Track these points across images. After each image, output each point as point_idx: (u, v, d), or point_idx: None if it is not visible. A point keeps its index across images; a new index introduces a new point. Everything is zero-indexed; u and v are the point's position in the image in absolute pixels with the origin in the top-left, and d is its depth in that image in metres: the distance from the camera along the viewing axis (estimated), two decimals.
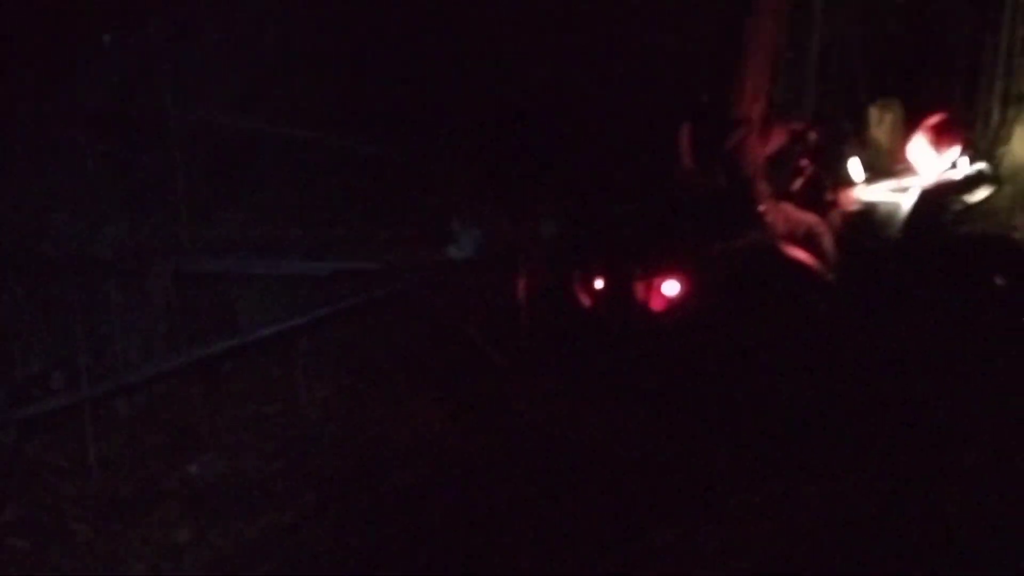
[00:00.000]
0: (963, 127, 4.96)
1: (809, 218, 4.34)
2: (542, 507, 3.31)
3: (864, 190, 4.66)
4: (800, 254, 4.24)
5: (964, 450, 3.21)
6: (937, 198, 4.61)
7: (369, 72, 6.26)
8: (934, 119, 4.66)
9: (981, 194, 4.64)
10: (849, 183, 4.65)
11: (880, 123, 6.97)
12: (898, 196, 4.61)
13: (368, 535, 3.29)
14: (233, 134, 6.04)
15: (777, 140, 4.40)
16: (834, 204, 4.53)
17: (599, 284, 4.26)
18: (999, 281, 4.29)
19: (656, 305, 4.00)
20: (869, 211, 4.62)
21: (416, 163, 6.12)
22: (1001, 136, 5.02)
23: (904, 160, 4.96)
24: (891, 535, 2.80)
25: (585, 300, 4.32)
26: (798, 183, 4.49)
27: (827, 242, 4.30)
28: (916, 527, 2.82)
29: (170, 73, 5.31)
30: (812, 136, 4.54)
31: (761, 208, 4.21)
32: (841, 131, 5.04)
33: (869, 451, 3.27)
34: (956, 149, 4.54)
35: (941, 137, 4.59)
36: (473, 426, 3.95)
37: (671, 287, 3.99)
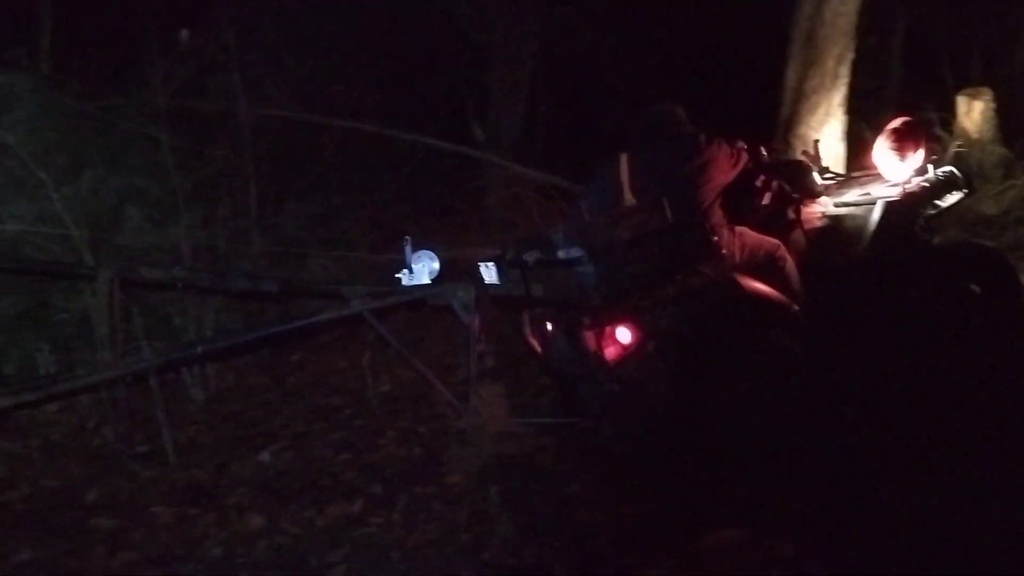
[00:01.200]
0: (928, 128, 4.58)
1: (768, 243, 3.87)
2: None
3: (828, 203, 4.28)
4: (761, 286, 3.73)
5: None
6: (906, 207, 4.23)
7: None
8: (898, 121, 4.27)
9: (951, 200, 4.30)
10: (812, 196, 4.26)
11: (968, 112, 6.76)
12: (864, 207, 4.11)
13: (434, 527, 3.35)
14: (297, 128, 6.16)
15: (738, 159, 4.00)
16: (796, 222, 4.10)
17: (548, 329, 3.93)
18: (976, 290, 4.08)
19: (610, 354, 3.56)
20: (835, 226, 4.15)
21: None
22: None
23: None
24: None
25: (535, 346, 4.04)
26: (758, 202, 4.03)
27: (790, 267, 3.84)
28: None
29: (239, 68, 5.42)
30: (764, 152, 4.17)
31: (715, 239, 3.72)
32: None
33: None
34: (922, 153, 4.12)
35: (906, 140, 4.18)
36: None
37: (624, 334, 3.54)
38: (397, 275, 3.90)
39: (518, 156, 7.04)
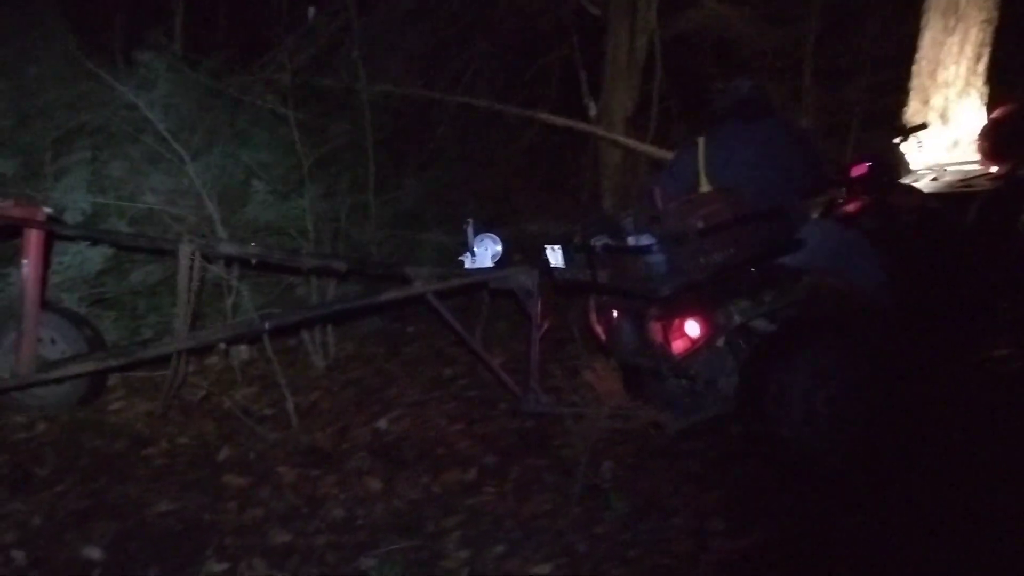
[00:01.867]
0: None
1: (850, 233, 3.64)
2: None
3: (922, 193, 3.91)
4: (840, 279, 3.50)
5: None
6: (1008, 201, 3.81)
7: None
8: (1002, 109, 3.86)
9: None
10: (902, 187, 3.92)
11: None
12: (963, 198, 3.83)
13: (547, 499, 3.37)
14: (414, 103, 6.26)
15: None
16: (889, 213, 3.83)
17: (614, 317, 3.81)
18: None
19: (677, 347, 3.42)
20: (930, 218, 3.83)
21: None
22: None
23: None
24: None
25: (600, 332, 3.90)
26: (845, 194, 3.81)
27: (879, 264, 3.56)
28: None
29: (360, 45, 5.54)
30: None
31: (800, 231, 3.48)
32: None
33: None
34: None
35: (1011, 130, 3.78)
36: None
37: (693, 328, 3.40)
38: (460, 258, 3.92)
39: (632, 130, 6.94)
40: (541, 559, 2.96)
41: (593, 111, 7.31)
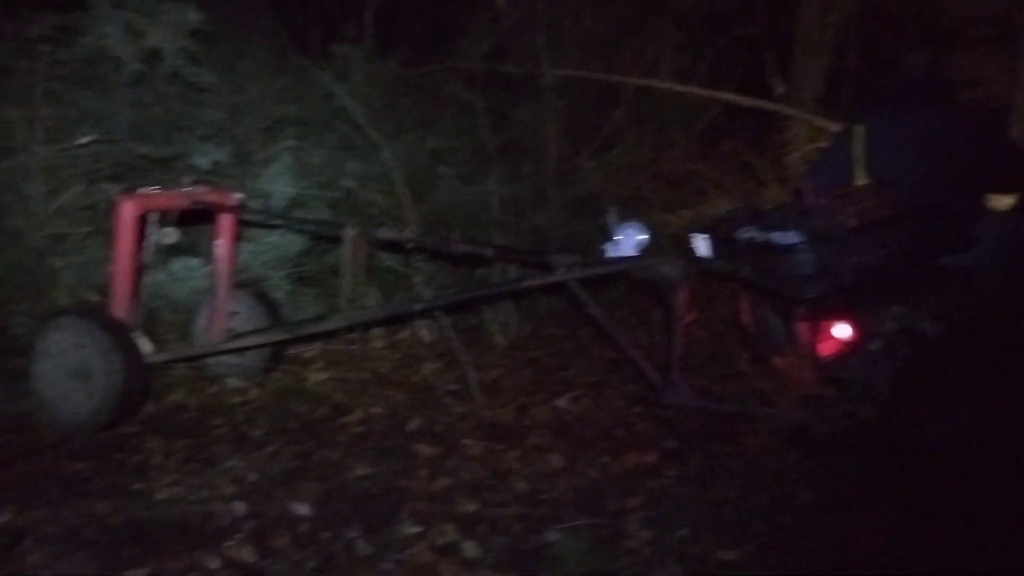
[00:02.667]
0: None
1: None
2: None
3: None
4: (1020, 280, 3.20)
5: None
6: None
7: None
8: None
9: None
10: None
11: None
12: None
13: (731, 486, 3.32)
14: (594, 86, 6.26)
15: None
16: None
17: (764, 312, 3.66)
18: None
19: (824, 349, 3.27)
20: None
21: None
22: None
23: None
24: None
25: (748, 325, 3.76)
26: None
27: None
28: None
29: (543, 29, 5.60)
30: None
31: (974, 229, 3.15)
32: None
33: None
34: None
35: None
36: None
37: (843, 331, 3.22)
38: (602, 246, 3.86)
39: (823, 110, 6.61)
40: (726, 545, 2.92)
41: (780, 90, 7.03)
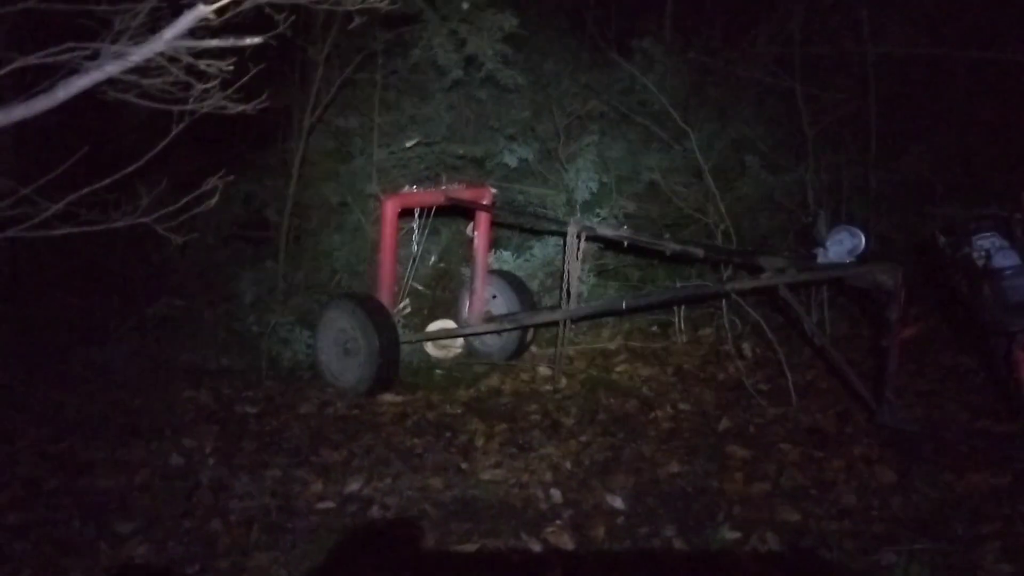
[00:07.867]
0: None
1: None
2: None
3: None
4: None
5: None
6: None
7: None
8: None
9: None
10: None
11: None
12: None
13: None
14: (919, 63, 5.65)
15: None
16: None
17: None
18: None
19: None
20: None
21: None
22: None
23: None
24: None
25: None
26: None
27: None
28: None
29: (864, 4, 5.17)
30: None
31: None
32: None
33: None
34: None
35: None
36: None
37: None
38: (813, 251, 3.68)
39: None
40: None
41: None
